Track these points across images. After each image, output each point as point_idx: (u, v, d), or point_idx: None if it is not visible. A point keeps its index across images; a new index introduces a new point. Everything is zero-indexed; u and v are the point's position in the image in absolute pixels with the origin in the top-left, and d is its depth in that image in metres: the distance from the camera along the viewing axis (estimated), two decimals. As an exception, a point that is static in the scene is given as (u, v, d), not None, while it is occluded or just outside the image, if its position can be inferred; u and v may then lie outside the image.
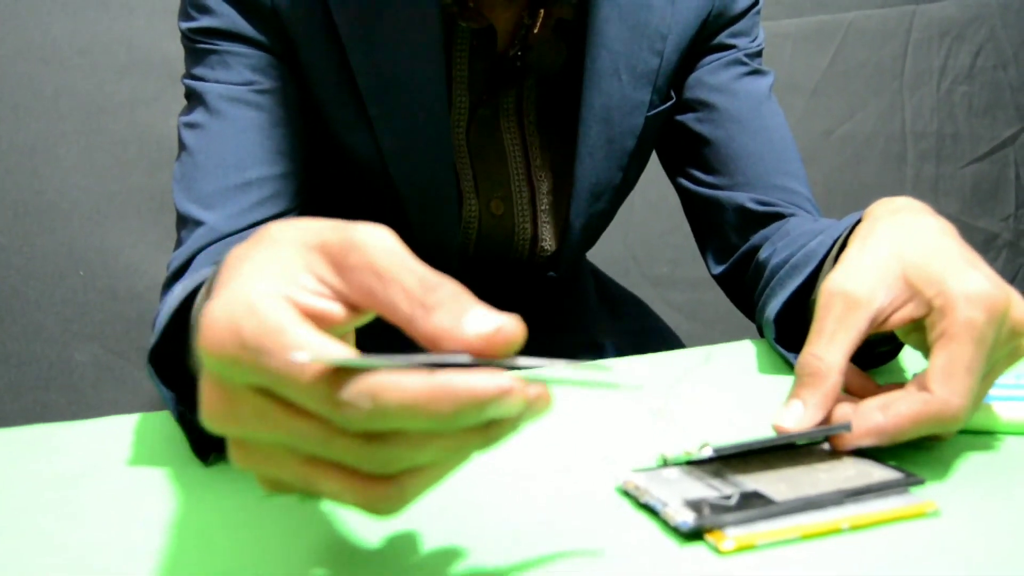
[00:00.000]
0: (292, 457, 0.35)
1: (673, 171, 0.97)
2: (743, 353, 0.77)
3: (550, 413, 0.35)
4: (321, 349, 0.33)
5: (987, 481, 0.52)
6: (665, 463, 0.51)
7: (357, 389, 0.33)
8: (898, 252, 0.56)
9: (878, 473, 0.50)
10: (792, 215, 0.88)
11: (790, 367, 0.72)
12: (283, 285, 0.35)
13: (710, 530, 0.44)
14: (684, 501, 0.46)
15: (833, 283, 0.56)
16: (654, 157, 0.99)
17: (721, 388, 0.67)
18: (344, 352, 0.33)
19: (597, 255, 1.18)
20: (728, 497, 0.46)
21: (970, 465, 0.54)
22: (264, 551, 0.43)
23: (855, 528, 0.45)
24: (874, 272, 0.55)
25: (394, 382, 0.33)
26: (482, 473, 0.52)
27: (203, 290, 0.47)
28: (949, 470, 0.53)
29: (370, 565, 0.42)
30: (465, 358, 0.34)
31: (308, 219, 0.38)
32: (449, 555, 0.43)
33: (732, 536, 0.43)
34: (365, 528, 0.45)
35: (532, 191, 0.92)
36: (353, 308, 0.36)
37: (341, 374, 0.33)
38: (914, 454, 0.55)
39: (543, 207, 0.92)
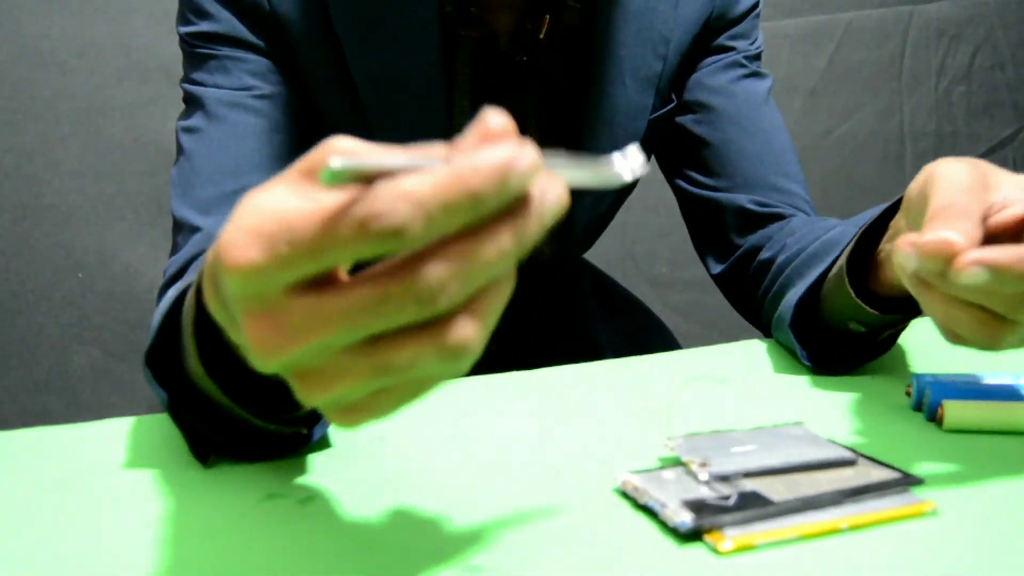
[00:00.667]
0: (359, 354, 0.34)
1: (671, 173, 0.97)
2: (748, 352, 0.77)
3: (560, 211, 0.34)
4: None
5: (986, 481, 0.52)
6: (663, 466, 0.51)
7: (388, 196, 0.31)
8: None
9: (877, 473, 0.50)
10: (792, 216, 0.89)
11: (800, 365, 0.73)
12: (272, 192, 0.34)
13: (709, 531, 0.44)
14: (682, 502, 0.46)
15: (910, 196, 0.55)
16: (653, 159, 1.00)
17: (726, 387, 0.67)
18: (377, 155, 0.32)
19: (595, 256, 1.18)
20: (727, 498, 0.46)
21: (969, 465, 0.54)
22: (264, 553, 0.43)
23: (854, 528, 0.45)
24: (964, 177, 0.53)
25: (418, 179, 0.31)
26: (479, 474, 0.52)
27: (191, 290, 0.47)
28: (948, 470, 0.53)
29: (367, 566, 0.42)
30: None
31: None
32: (445, 557, 0.43)
33: (731, 537, 0.43)
34: (363, 530, 0.46)
35: (534, 196, 0.92)
36: None
37: (362, 195, 0.31)
38: (913, 454, 0.55)
39: (544, 211, 0.92)
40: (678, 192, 0.96)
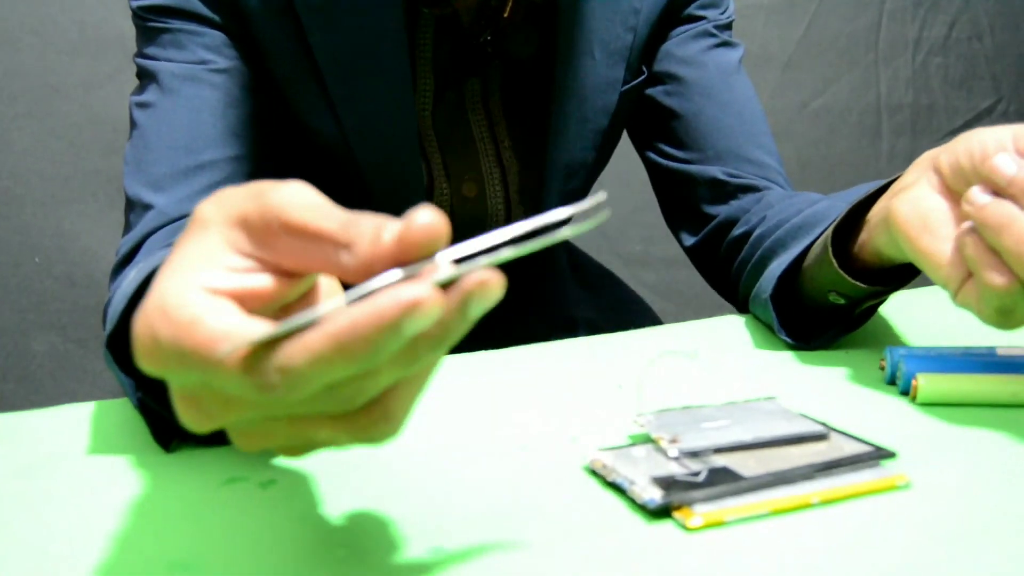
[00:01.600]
0: (279, 425, 0.35)
1: (642, 145, 0.97)
2: (722, 328, 0.77)
3: (491, 305, 0.32)
4: (239, 332, 0.32)
5: (959, 454, 0.52)
6: (633, 443, 0.51)
7: (268, 367, 0.32)
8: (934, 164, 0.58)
9: (849, 447, 0.50)
10: (766, 189, 0.89)
11: (775, 339, 0.73)
12: (202, 274, 0.34)
13: (678, 507, 0.44)
14: (651, 479, 0.46)
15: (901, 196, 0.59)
16: (625, 133, 1.00)
17: (698, 363, 0.67)
18: (263, 328, 0.33)
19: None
20: (696, 474, 0.46)
21: (942, 438, 0.55)
22: (225, 537, 0.43)
23: (825, 502, 0.46)
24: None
25: (298, 344, 0.31)
26: (444, 452, 0.52)
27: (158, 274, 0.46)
28: (921, 443, 0.53)
29: (329, 550, 0.42)
30: (397, 274, 0.32)
31: (232, 189, 0.36)
32: (409, 539, 0.43)
33: (700, 513, 0.44)
34: (326, 512, 0.46)
35: (503, 172, 0.91)
36: (288, 275, 0.35)
37: (256, 356, 0.32)
38: (887, 428, 0.55)
39: (515, 187, 0.92)
40: (649, 165, 0.96)
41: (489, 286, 0.32)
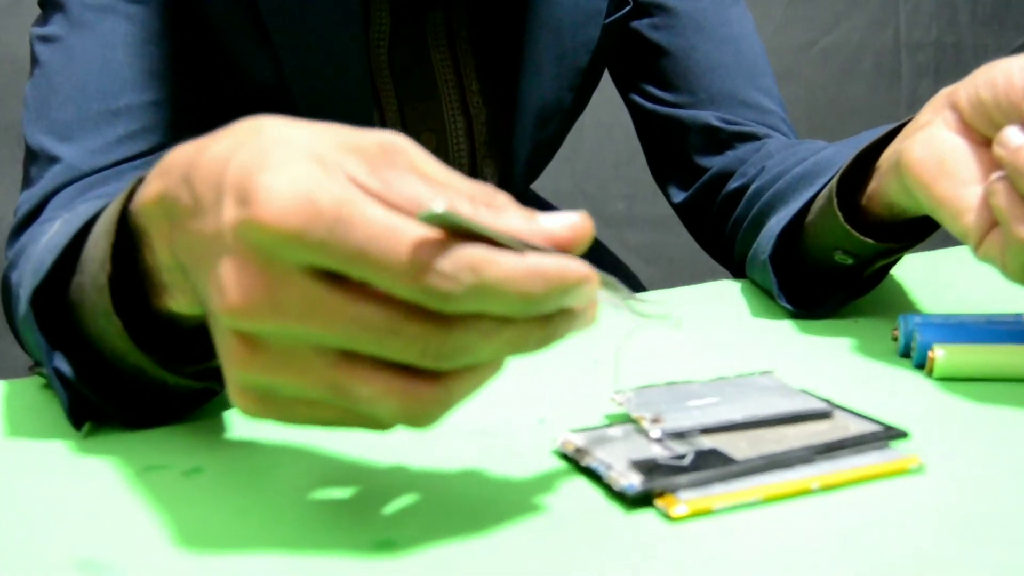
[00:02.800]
0: (327, 362, 0.37)
1: (626, 87, 0.97)
2: (714, 294, 0.78)
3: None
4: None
5: (979, 434, 0.53)
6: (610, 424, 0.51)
7: (460, 261, 0.36)
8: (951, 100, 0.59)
9: (855, 426, 0.50)
10: (767, 137, 0.89)
11: (774, 307, 0.73)
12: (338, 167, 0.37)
13: (660, 494, 0.44)
14: (630, 462, 0.46)
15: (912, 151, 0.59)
16: (606, 75, 0.99)
17: (685, 333, 0.68)
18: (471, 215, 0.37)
19: (541, 191, 1.18)
20: (681, 457, 0.47)
21: (960, 416, 0.55)
22: (143, 532, 0.43)
23: (827, 488, 0.46)
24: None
25: (493, 257, 0.36)
26: (393, 435, 0.52)
27: (106, 223, 0.47)
28: (937, 422, 0.54)
29: (263, 544, 0.42)
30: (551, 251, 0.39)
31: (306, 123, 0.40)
32: (353, 531, 0.43)
33: (685, 500, 0.44)
34: (260, 502, 0.46)
35: (468, 121, 0.91)
36: None
37: (440, 246, 0.36)
38: (899, 405, 0.56)
39: (482, 139, 0.92)
40: (634, 110, 0.96)
41: (594, 313, 0.42)
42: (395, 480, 0.48)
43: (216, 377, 0.54)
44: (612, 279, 0.43)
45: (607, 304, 0.43)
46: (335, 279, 0.36)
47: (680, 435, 0.49)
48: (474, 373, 0.39)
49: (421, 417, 0.39)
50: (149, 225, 0.44)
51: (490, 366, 0.40)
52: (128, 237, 0.47)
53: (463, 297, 0.36)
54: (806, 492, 0.46)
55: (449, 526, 0.43)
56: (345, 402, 0.38)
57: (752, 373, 0.57)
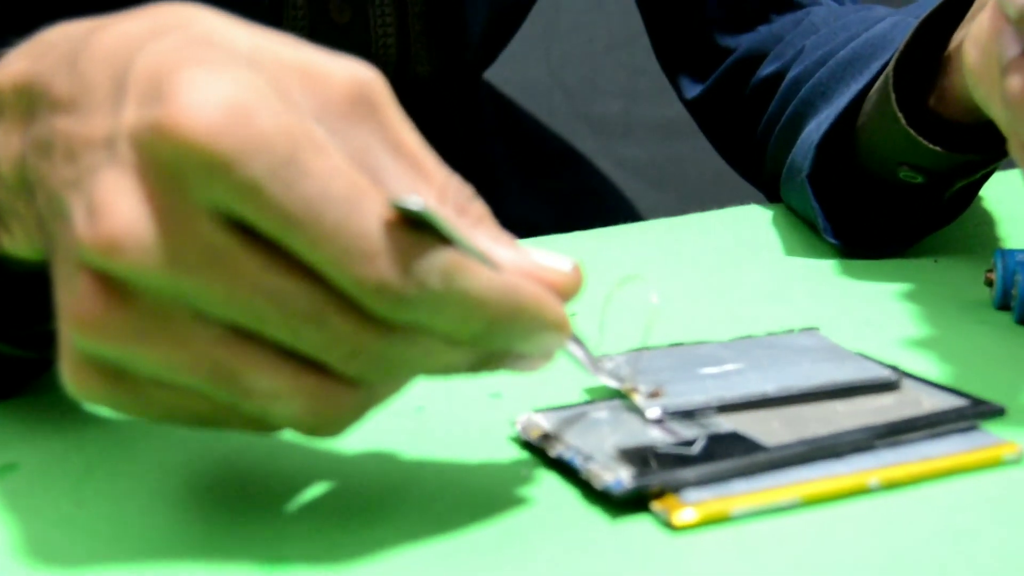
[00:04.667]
0: (206, 333, 0.37)
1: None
2: (736, 225, 0.77)
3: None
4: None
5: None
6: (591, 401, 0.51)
7: (433, 262, 0.37)
8: None
9: (930, 400, 0.50)
10: (813, 3, 0.89)
11: (820, 242, 0.73)
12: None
13: (658, 494, 0.44)
14: (617, 451, 0.46)
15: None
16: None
17: (697, 275, 0.67)
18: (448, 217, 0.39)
19: (506, 85, 1.17)
20: (689, 443, 0.46)
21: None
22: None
23: (891, 486, 0.46)
24: None
25: (469, 266, 0.38)
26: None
27: None
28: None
29: (112, 549, 0.41)
30: None
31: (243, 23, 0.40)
32: (238, 539, 0.43)
33: (693, 503, 0.43)
34: (88, 510, 0.45)
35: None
36: None
37: (412, 237, 0.37)
38: (992, 372, 0.56)
39: (416, 9, 0.91)
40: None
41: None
42: (292, 476, 0.48)
43: (48, 345, 0.53)
44: (581, 336, 0.47)
45: (569, 358, 0.46)
46: (252, 238, 0.37)
47: (688, 414, 0.49)
48: (398, 381, 0.42)
49: (330, 424, 0.40)
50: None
51: (413, 375, 0.42)
52: None
53: (420, 304, 0.37)
54: (862, 491, 0.46)
55: (362, 539, 0.43)
56: (227, 393, 0.39)
57: (790, 331, 0.57)
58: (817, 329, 0.58)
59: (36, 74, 0.41)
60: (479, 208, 0.42)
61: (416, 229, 0.37)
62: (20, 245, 0.45)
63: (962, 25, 0.64)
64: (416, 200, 0.36)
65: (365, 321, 0.38)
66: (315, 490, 0.47)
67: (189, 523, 0.44)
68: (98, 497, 0.46)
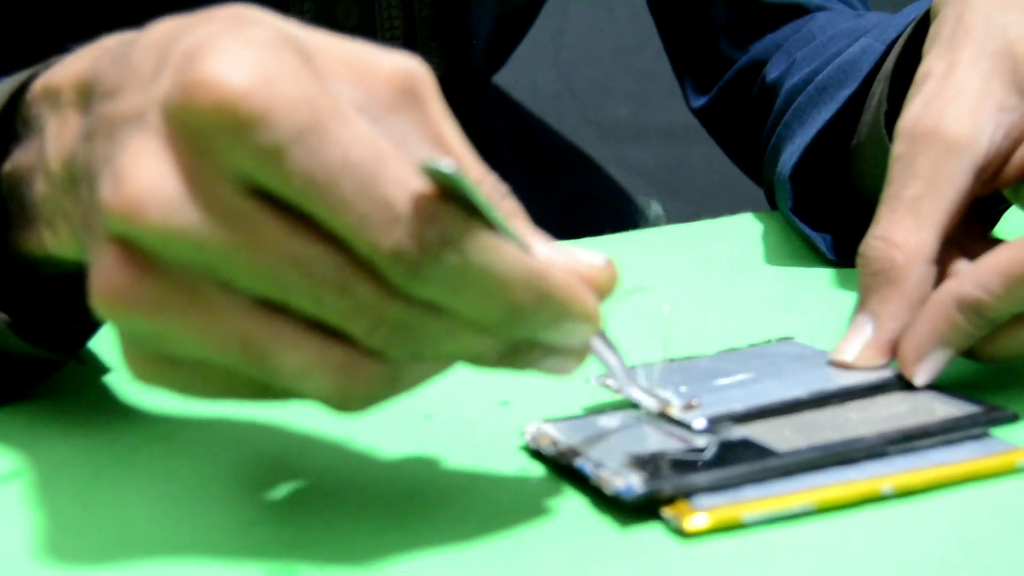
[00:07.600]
0: (233, 304, 0.38)
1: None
2: (740, 232, 0.77)
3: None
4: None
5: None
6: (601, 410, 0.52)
7: (453, 231, 0.38)
8: (1011, 50, 0.56)
9: (943, 408, 0.50)
10: (819, 8, 0.89)
11: (815, 251, 0.73)
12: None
13: (670, 500, 0.44)
14: (629, 457, 0.46)
15: (908, 120, 0.56)
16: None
17: (706, 287, 0.68)
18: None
19: (516, 89, 1.18)
20: (700, 450, 0.46)
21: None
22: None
23: (905, 492, 0.46)
24: (975, 92, 0.56)
25: (494, 243, 0.39)
26: (313, 419, 0.52)
27: None
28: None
29: (119, 561, 0.41)
30: None
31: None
32: (253, 558, 0.43)
33: (705, 508, 0.43)
34: (119, 512, 0.45)
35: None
36: None
37: (435, 204, 0.38)
38: (1005, 377, 0.56)
39: (423, 13, 0.91)
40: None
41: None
42: (299, 483, 0.48)
43: (73, 346, 0.54)
44: (616, 344, 0.46)
45: (597, 362, 0.46)
46: (275, 205, 0.37)
47: (729, 420, 0.49)
48: (425, 364, 0.42)
49: (357, 400, 0.40)
50: (48, 119, 0.44)
51: (443, 363, 0.43)
52: None
53: (437, 276, 0.38)
54: (876, 497, 0.46)
55: (370, 547, 0.43)
56: (258, 371, 0.39)
57: (767, 341, 0.58)
58: (792, 338, 0.58)
59: (93, 71, 0.42)
60: (512, 205, 0.43)
61: (445, 201, 0.38)
62: (65, 245, 0.45)
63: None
64: (448, 163, 0.37)
65: (388, 290, 0.38)
66: (323, 497, 0.47)
67: (196, 529, 0.45)
68: (105, 501, 0.47)
